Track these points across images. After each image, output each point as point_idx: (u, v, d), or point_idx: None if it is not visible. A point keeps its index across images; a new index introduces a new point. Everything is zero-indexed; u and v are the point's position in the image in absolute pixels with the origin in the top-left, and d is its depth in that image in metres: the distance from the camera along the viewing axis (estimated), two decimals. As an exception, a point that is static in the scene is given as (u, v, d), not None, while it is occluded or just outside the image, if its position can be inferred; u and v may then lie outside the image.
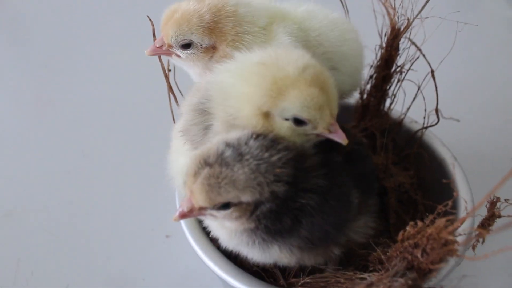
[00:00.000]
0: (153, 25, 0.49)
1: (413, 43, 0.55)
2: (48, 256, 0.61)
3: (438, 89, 0.55)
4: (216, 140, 0.38)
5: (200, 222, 0.49)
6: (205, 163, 0.36)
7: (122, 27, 1.01)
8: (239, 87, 0.40)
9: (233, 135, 0.38)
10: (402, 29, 0.54)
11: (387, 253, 0.43)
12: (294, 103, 0.38)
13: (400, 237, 0.41)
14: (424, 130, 0.57)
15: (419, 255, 0.40)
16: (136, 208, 0.66)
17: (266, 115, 0.40)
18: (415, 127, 0.58)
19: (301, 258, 0.42)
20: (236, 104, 0.40)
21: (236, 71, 0.41)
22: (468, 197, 0.51)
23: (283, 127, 0.40)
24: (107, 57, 0.93)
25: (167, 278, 0.59)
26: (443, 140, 0.57)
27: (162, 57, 0.49)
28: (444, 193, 0.55)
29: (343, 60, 0.49)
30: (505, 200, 0.45)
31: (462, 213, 0.49)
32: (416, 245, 0.40)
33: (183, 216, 0.38)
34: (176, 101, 0.53)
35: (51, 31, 1.01)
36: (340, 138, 0.40)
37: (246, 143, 0.37)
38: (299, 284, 0.43)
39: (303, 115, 0.39)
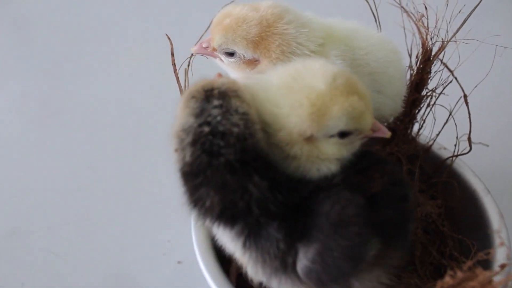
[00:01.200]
0: (171, 44, 0.46)
1: (446, 66, 0.51)
2: (53, 280, 0.58)
3: (470, 115, 0.52)
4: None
5: (214, 249, 0.46)
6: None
7: (131, 32, 0.98)
8: (275, 112, 0.37)
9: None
10: (435, 51, 0.51)
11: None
12: (340, 118, 0.37)
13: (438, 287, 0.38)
14: (454, 158, 0.54)
15: (460, 310, 0.37)
16: (147, 231, 0.63)
17: (309, 139, 0.37)
18: (445, 154, 0.55)
19: None
20: (273, 126, 0.37)
21: (263, 94, 0.38)
22: (504, 235, 0.48)
23: (329, 145, 0.38)
24: (116, 64, 0.90)
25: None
26: (474, 168, 0.54)
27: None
28: (474, 226, 0.52)
29: (388, 83, 0.47)
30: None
31: (498, 254, 0.46)
32: (457, 298, 0.37)
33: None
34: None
35: (57, 36, 0.97)
36: (384, 133, 0.40)
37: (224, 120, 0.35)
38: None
39: (349, 128, 0.38)
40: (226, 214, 0.35)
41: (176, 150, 0.36)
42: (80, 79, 0.87)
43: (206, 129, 0.35)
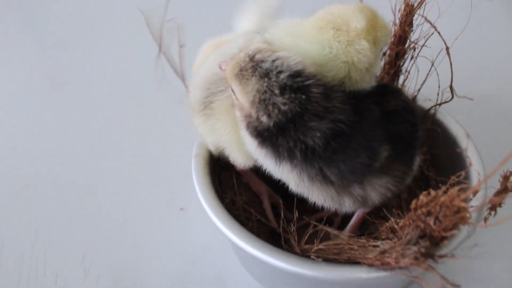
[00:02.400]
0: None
1: (426, 19, 0.55)
2: (65, 227, 0.63)
3: (452, 66, 0.55)
4: (256, 45, 0.43)
5: (216, 192, 0.51)
6: (245, 53, 0.42)
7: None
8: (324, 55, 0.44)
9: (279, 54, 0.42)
10: (415, 5, 0.54)
11: (399, 223, 0.44)
12: (387, 34, 0.45)
13: (413, 205, 0.42)
14: (437, 107, 0.58)
15: (431, 222, 0.40)
16: (152, 183, 0.67)
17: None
18: (429, 104, 0.59)
19: (308, 191, 0.44)
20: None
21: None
22: (481, 170, 0.52)
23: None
24: (122, 35, 0.94)
25: (182, 249, 0.60)
26: (457, 118, 0.58)
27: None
28: (456, 170, 0.55)
29: None
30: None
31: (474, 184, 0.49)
32: (429, 213, 0.41)
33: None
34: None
35: (64, 8, 1.01)
36: None
37: (274, 62, 0.41)
38: (313, 250, 0.44)
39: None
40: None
41: (249, 117, 0.42)
42: (87, 49, 0.92)
43: (284, 76, 0.40)
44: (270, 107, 0.40)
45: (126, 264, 0.59)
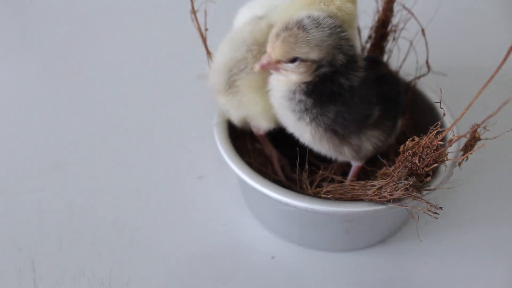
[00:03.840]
0: None
1: (404, 7, 0.66)
2: (97, 196, 0.70)
3: (429, 45, 0.67)
4: (298, 13, 0.51)
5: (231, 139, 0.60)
6: (286, 28, 0.49)
7: None
8: None
9: (313, 12, 0.51)
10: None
11: (391, 169, 0.54)
12: None
13: (401, 149, 0.52)
14: (416, 80, 0.68)
15: (417, 161, 0.51)
16: (170, 154, 0.76)
17: None
18: (409, 78, 0.69)
19: (319, 141, 0.53)
20: None
21: None
22: (452, 121, 0.62)
23: None
24: (138, 23, 1.03)
25: (201, 216, 0.68)
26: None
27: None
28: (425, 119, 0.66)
29: None
30: (484, 127, 0.57)
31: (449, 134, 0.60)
32: (414, 154, 0.51)
33: (263, 67, 0.51)
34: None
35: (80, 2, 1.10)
36: None
37: (324, 18, 0.50)
38: (323, 192, 0.53)
39: None
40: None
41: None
42: (102, 40, 1.01)
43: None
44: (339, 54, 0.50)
45: (153, 224, 0.67)
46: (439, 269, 0.60)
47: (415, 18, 0.66)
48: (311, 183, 0.55)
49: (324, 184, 0.55)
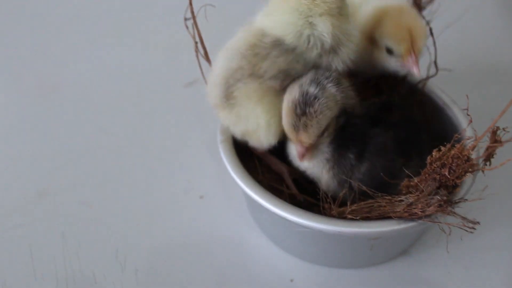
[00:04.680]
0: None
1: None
2: (91, 226, 0.64)
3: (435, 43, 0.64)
4: (296, 87, 0.48)
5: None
6: (297, 115, 0.47)
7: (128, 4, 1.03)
8: None
9: (306, 77, 0.47)
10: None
11: (413, 181, 0.51)
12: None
13: (428, 161, 0.49)
14: (425, 81, 0.65)
15: (446, 173, 0.48)
16: (169, 175, 0.70)
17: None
18: (417, 79, 0.66)
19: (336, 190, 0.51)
20: None
21: None
22: (470, 129, 0.60)
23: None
24: (112, 34, 0.95)
25: (207, 238, 0.64)
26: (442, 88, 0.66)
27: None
28: (447, 133, 0.63)
29: None
30: (503, 129, 0.55)
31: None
32: (443, 165, 0.48)
33: (303, 156, 0.50)
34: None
35: (53, 9, 1.01)
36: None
37: (322, 75, 0.48)
38: (347, 212, 0.50)
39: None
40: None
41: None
42: (74, 51, 0.92)
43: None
44: None
45: (159, 254, 0.62)
46: (464, 279, 0.58)
47: (423, 17, 0.63)
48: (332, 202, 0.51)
49: (348, 203, 0.51)
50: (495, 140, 0.53)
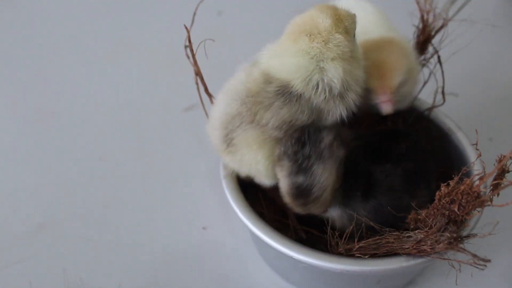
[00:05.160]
0: (188, 32, 0.53)
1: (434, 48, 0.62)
2: (92, 260, 0.63)
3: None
4: (282, 179, 0.48)
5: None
6: (301, 204, 0.47)
7: (125, 26, 1.02)
8: None
9: (287, 161, 0.47)
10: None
11: (421, 214, 0.50)
12: (353, 20, 0.50)
13: (437, 196, 0.48)
14: (433, 108, 0.64)
15: (456, 209, 0.47)
16: (170, 206, 0.69)
17: None
18: (423, 106, 0.65)
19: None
20: None
21: None
22: (478, 161, 0.59)
23: None
24: (110, 59, 0.94)
25: (207, 267, 0.63)
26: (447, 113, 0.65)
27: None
28: (453, 160, 0.63)
29: None
30: (510, 157, 0.53)
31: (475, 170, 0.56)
32: (452, 201, 0.47)
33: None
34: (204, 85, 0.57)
35: (49, 34, 0.99)
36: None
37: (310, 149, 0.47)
38: (355, 249, 0.48)
39: None
40: None
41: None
42: (70, 76, 0.91)
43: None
44: None
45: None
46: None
47: (432, 45, 0.62)
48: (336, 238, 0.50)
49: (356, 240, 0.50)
50: (503, 170, 0.52)
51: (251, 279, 0.61)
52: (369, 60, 0.52)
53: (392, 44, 0.55)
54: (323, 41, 0.47)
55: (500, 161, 0.52)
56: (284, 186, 0.47)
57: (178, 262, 0.63)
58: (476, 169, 0.53)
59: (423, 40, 0.60)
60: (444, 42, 0.60)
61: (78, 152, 0.77)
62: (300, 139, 0.47)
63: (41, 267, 0.62)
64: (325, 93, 0.47)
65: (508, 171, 0.53)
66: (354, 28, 0.49)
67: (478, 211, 0.46)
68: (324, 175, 0.45)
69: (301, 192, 0.45)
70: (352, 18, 0.49)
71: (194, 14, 0.57)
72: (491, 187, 0.51)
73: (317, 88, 0.47)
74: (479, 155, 0.49)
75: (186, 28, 0.52)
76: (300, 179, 0.45)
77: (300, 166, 0.45)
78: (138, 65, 0.93)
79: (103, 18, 1.04)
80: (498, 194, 0.51)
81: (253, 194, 0.59)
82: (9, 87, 0.91)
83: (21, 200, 0.71)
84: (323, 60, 0.47)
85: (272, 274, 0.61)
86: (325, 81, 0.47)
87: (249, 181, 0.58)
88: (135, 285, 0.60)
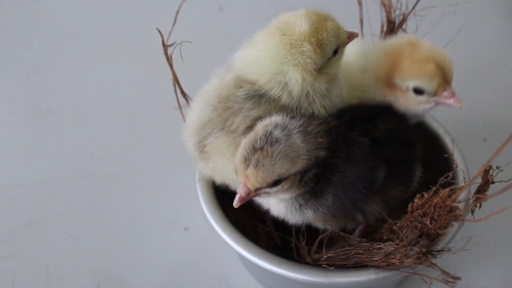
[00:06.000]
0: (162, 36, 0.52)
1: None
2: (75, 259, 0.64)
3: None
4: (260, 125, 0.43)
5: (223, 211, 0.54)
6: (254, 148, 0.41)
7: (120, 25, 1.01)
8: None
9: (274, 119, 0.43)
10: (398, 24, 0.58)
11: (397, 224, 0.48)
12: (336, 35, 0.46)
13: (409, 208, 0.46)
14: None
15: (428, 222, 0.45)
16: (154, 206, 0.69)
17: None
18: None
19: (329, 224, 0.48)
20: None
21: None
22: (464, 167, 0.56)
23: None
24: (104, 57, 0.94)
25: (189, 268, 0.63)
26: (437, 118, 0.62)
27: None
28: (440, 165, 0.60)
29: None
30: (496, 167, 0.51)
31: (460, 182, 0.54)
32: (424, 214, 0.45)
33: (242, 200, 0.43)
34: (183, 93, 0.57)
35: (45, 34, 1.00)
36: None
37: (290, 122, 0.43)
38: (323, 259, 0.47)
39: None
40: None
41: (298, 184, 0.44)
42: (69, 74, 0.91)
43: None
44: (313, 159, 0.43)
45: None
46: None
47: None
48: (308, 247, 0.49)
49: (324, 249, 0.48)
50: (487, 180, 0.50)
51: (228, 280, 0.61)
52: (414, 62, 0.49)
53: (420, 41, 0.51)
54: (289, 44, 0.45)
55: (485, 170, 0.50)
56: (256, 131, 0.43)
57: (158, 264, 0.63)
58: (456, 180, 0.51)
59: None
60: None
61: (69, 151, 0.78)
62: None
63: (25, 264, 0.64)
64: (288, 95, 0.46)
65: (493, 182, 0.51)
66: (334, 44, 0.46)
67: (452, 226, 0.44)
68: (293, 149, 0.42)
69: (267, 139, 0.41)
70: (335, 33, 0.46)
71: (177, 13, 0.56)
72: (468, 201, 0.49)
73: (280, 88, 0.46)
74: (456, 166, 0.47)
75: (159, 31, 0.51)
76: (277, 132, 0.42)
77: (282, 125, 0.43)
78: (133, 64, 0.93)
79: (100, 17, 1.04)
80: (473, 211, 0.49)
81: (232, 197, 0.59)
82: (5, 85, 0.92)
83: (12, 197, 0.72)
84: (285, 63, 0.46)
85: (248, 277, 0.61)
86: (287, 84, 0.46)
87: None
88: (113, 285, 0.61)
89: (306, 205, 0.45)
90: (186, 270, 0.63)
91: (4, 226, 0.68)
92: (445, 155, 0.55)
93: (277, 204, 0.47)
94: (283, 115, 0.44)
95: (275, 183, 0.42)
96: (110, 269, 0.63)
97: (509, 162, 0.52)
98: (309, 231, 0.52)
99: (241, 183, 0.43)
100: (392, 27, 0.57)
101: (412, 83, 0.49)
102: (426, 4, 0.57)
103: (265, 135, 0.42)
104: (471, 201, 0.49)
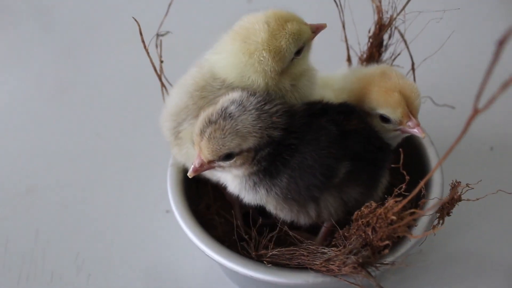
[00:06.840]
0: (139, 25, 0.54)
1: (401, 35, 0.58)
2: (62, 227, 0.69)
3: (429, 77, 0.60)
4: (221, 100, 0.45)
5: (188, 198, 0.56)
6: (209, 121, 0.43)
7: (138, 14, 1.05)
8: None
9: (233, 94, 0.45)
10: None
11: (348, 231, 0.48)
12: (297, 39, 0.46)
13: (355, 216, 0.45)
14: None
15: (370, 233, 0.44)
16: (140, 187, 0.73)
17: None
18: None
19: (281, 209, 0.48)
20: None
21: None
22: (439, 180, 0.54)
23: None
24: (126, 42, 0.97)
25: (168, 249, 0.66)
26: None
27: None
28: (419, 175, 0.58)
29: None
30: (466, 184, 0.48)
31: (434, 194, 0.52)
32: (368, 224, 0.44)
33: (196, 171, 0.45)
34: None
35: (71, 22, 1.06)
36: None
37: (247, 99, 0.44)
38: (268, 256, 0.48)
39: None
40: None
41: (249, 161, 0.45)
42: (93, 57, 0.97)
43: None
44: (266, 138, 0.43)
45: (115, 262, 0.65)
46: None
47: (409, 51, 0.58)
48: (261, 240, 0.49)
49: (270, 246, 0.49)
50: (453, 198, 0.48)
51: (202, 264, 0.63)
52: (381, 91, 0.49)
53: (392, 71, 0.52)
54: (249, 53, 0.46)
55: (453, 186, 0.48)
56: (214, 106, 0.45)
57: (137, 243, 0.67)
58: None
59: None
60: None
61: (78, 127, 0.83)
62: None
63: (18, 226, 0.69)
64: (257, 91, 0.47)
65: (460, 200, 0.49)
66: (294, 47, 0.46)
67: (390, 240, 0.43)
68: (245, 125, 0.43)
69: (221, 114, 0.43)
70: (296, 37, 0.46)
71: (170, 4, 0.58)
72: (437, 216, 0.48)
73: (248, 86, 0.47)
74: (427, 178, 0.44)
75: (135, 20, 0.53)
76: (232, 107, 0.43)
77: (239, 101, 0.44)
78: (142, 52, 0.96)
79: (120, 7, 1.08)
80: (443, 222, 0.47)
81: (204, 184, 0.60)
82: (36, 63, 0.99)
83: (19, 163, 0.78)
84: (246, 70, 0.46)
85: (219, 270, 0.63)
86: (252, 84, 0.47)
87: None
88: (90, 255, 0.65)
89: (260, 183, 0.46)
90: (163, 250, 0.66)
91: (6, 190, 0.74)
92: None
93: (233, 180, 0.48)
94: (243, 92, 0.45)
95: (227, 157, 0.43)
96: (91, 241, 0.67)
97: (479, 181, 0.50)
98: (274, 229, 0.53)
99: (196, 155, 0.45)
100: (380, 27, 0.56)
101: (379, 111, 0.50)
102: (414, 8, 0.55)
103: (221, 109, 0.43)
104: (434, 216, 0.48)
